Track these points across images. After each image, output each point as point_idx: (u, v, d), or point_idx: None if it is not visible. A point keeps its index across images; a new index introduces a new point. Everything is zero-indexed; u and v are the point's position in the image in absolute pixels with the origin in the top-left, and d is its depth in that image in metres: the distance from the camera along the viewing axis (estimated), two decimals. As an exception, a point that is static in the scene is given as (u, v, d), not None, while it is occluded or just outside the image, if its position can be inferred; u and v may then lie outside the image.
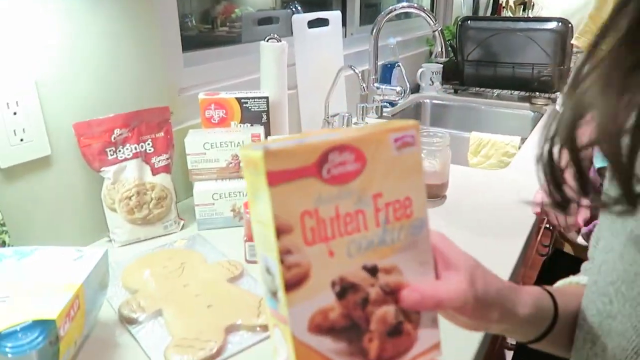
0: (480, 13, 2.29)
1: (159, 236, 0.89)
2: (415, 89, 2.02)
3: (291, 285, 0.31)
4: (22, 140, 0.73)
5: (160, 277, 0.74)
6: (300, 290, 0.31)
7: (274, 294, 0.32)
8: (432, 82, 2.00)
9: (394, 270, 0.35)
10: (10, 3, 0.69)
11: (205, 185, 0.90)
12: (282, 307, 0.31)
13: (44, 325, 0.51)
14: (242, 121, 0.98)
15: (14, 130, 0.72)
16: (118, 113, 0.83)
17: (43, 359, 0.50)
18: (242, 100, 0.97)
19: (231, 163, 0.92)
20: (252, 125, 0.98)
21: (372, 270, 0.34)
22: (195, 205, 0.90)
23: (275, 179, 0.30)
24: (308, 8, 1.74)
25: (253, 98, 0.98)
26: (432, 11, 2.41)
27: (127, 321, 0.66)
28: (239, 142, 0.90)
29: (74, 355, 0.59)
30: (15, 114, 0.71)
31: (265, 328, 0.64)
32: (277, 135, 1.06)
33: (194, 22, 1.31)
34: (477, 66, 1.94)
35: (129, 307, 0.67)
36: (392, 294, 0.35)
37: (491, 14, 2.65)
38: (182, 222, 0.92)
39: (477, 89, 1.97)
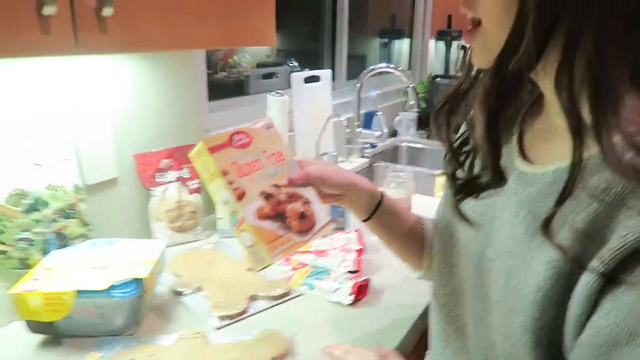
0: (451, 70, 2.67)
1: (190, 241, 1.16)
2: (394, 133, 2.35)
3: (239, 197, 0.62)
4: (101, 165, 1.02)
5: (197, 266, 1.01)
6: (244, 200, 0.63)
7: (233, 213, 0.63)
8: (408, 128, 2.33)
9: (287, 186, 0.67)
10: (100, 67, 1.00)
11: (226, 204, 1.19)
12: (239, 212, 0.62)
13: (137, 283, 0.78)
14: None
15: (96, 159, 1.01)
16: (165, 147, 1.12)
17: (136, 303, 0.77)
18: None
19: (246, 187, 1.21)
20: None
21: (277, 186, 0.66)
22: (217, 218, 1.19)
23: (212, 150, 0.63)
24: (302, 63, 2.08)
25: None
26: (410, 68, 2.78)
27: (178, 294, 0.93)
28: (252, 172, 1.19)
29: (149, 310, 0.85)
30: (98, 146, 1.00)
31: (274, 298, 0.91)
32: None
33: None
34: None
35: (178, 285, 0.94)
36: (292, 196, 0.66)
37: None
38: (208, 232, 1.20)
39: (446, 134, 2.30)
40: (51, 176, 0.91)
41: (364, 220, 0.76)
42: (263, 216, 0.63)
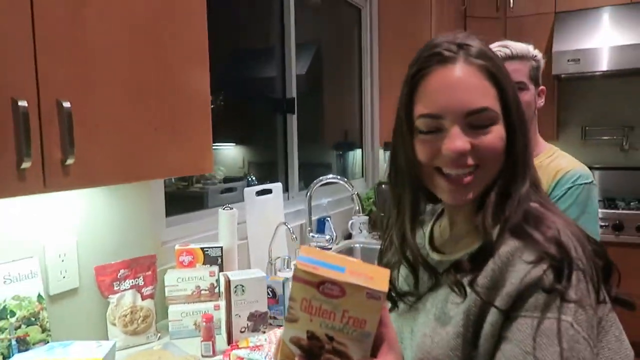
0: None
1: (143, 344, 1.29)
2: (348, 236, 2.56)
3: (287, 320, 0.64)
4: (64, 277, 1.18)
5: (145, 365, 1.14)
6: (290, 324, 0.64)
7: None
8: (361, 230, 2.54)
9: (344, 345, 0.60)
10: (65, 194, 1.20)
11: (177, 307, 1.34)
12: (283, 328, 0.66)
13: (84, 378, 0.91)
14: (204, 263, 1.45)
15: (60, 271, 1.17)
16: (124, 259, 1.29)
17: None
18: (205, 249, 1.46)
19: (195, 291, 1.37)
20: (210, 265, 1.45)
21: (330, 338, 0.60)
22: (169, 321, 1.33)
23: (297, 279, 0.62)
24: (261, 176, 2.33)
25: (212, 247, 1.46)
26: (363, 175, 3.07)
27: (123, 390, 1.05)
28: (200, 277, 1.36)
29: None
30: (63, 261, 1.18)
31: (210, 390, 1.03)
32: (234, 270, 1.52)
33: (172, 179, 1.81)
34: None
35: (125, 382, 1.06)
36: (338, 353, 0.60)
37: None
38: (159, 334, 1.33)
39: (396, 235, 2.51)
40: (18, 288, 1.07)
41: None
42: (296, 343, 0.61)
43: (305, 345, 0.63)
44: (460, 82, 0.64)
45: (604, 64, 3.13)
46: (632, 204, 2.99)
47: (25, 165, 0.77)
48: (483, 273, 0.64)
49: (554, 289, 0.57)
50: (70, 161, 0.83)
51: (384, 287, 0.59)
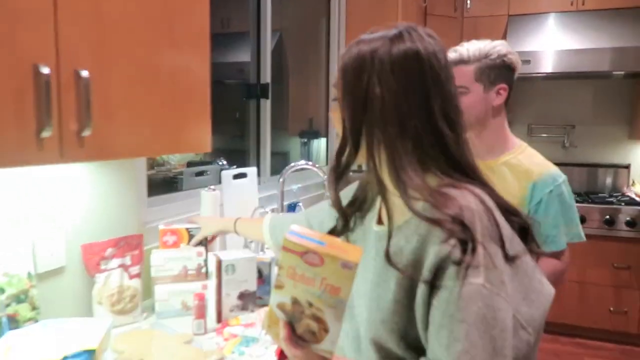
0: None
1: (130, 323, 1.27)
2: (314, 222, 2.60)
3: (275, 286, 0.72)
4: (52, 255, 1.14)
5: (138, 343, 1.13)
6: (277, 290, 0.72)
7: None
8: (327, 216, 2.59)
9: (320, 310, 0.70)
10: (56, 170, 1.16)
11: (163, 288, 1.33)
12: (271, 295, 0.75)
13: (88, 353, 0.90)
14: (188, 243, 1.44)
15: (48, 249, 1.14)
16: (110, 238, 1.27)
17: (88, 372, 0.89)
18: (189, 229, 1.45)
19: (182, 271, 1.36)
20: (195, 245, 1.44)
21: (309, 304, 0.70)
22: (155, 300, 1.32)
23: (285, 249, 0.70)
24: (230, 160, 2.32)
25: (196, 227, 1.46)
26: (327, 164, 3.13)
27: (120, 367, 1.04)
28: (188, 257, 1.36)
29: (92, 383, 0.96)
30: (51, 238, 1.14)
31: (210, 365, 1.05)
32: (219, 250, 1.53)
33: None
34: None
35: (121, 359, 1.05)
36: (315, 318, 0.70)
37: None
38: (144, 314, 1.32)
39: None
40: (7, 265, 1.03)
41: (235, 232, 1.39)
42: (281, 308, 0.71)
43: (289, 310, 0.72)
44: None
45: (549, 66, 3.35)
46: (582, 197, 3.25)
47: (45, 134, 0.75)
48: (407, 247, 0.73)
49: (461, 261, 0.66)
50: (86, 132, 0.82)
51: (356, 259, 0.68)
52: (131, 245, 1.31)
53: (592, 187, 3.62)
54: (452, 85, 0.76)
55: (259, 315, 1.28)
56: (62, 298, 1.19)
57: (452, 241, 0.67)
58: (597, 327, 3.15)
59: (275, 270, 1.43)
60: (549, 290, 0.77)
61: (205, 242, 1.45)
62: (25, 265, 1.06)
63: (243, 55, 2.40)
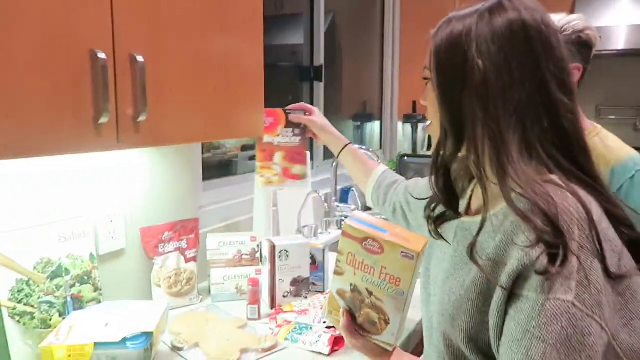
0: (418, 150, 2.95)
1: (186, 305, 1.30)
2: (367, 208, 2.56)
3: (335, 272, 0.73)
4: (112, 238, 1.18)
5: (194, 325, 1.15)
6: (337, 276, 0.72)
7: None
8: (381, 202, 2.55)
9: (380, 300, 0.72)
10: (116, 156, 1.19)
11: (219, 271, 1.34)
12: (332, 280, 0.74)
13: (147, 335, 0.92)
14: (287, 126, 1.37)
15: (109, 232, 1.17)
16: (167, 222, 1.29)
17: (145, 355, 0.91)
18: (287, 110, 1.38)
19: (236, 256, 1.37)
20: (293, 129, 1.39)
21: (369, 292, 0.72)
22: (211, 284, 1.33)
23: (344, 235, 0.71)
24: (284, 146, 2.31)
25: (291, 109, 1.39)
26: (381, 148, 3.06)
27: (177, 350, 1.06)
28: (242, 242, 1.36)
29: (150, 363, 0.98)
30: (111, 221, 1.17)
31: (263, 350, 1.05)
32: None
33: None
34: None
35: (178, 341, 1.07)
36: (375, 308, 0.72)
37: (427, 149, 3.33)
38: (200, 297, 1.34)
39: (416, 207, 2.53)
40: (72, 247, 1.07)
41: (337, 156, 1.33)
42: (341, 295, 0.71)
43: (349, 297, 0.71)
44: None
45: (621, 43, 3.10)
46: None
47: (103, 120, 0.75)
48: (489, 243, 0.65)
49: (547, 271, 0.57)
50: (142, 118, 0.82)
51: (418, 248, 0.65)
52: (187, 229, 1.33)
53: (669, 173, 3.35)
54: (563, 50, 0.68)
55: (312, 302, 1.27)
56: (123, 279, 1.22)
57: (540, 247, 0.58)
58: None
59: (328, 256, 1.41)
60: None
61: (303, 130, 1.41)
62: (88, 247, 1.10)
63: (297, 38, 2.37)
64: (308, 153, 1.47)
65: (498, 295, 0.62)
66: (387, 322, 0.71)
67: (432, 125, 0.75)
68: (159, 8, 0.86)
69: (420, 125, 2.91)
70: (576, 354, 0.56)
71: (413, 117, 2.89)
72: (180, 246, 1.30)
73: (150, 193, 1.29)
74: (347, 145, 1.30)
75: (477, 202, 0.78)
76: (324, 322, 1.14)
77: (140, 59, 0.80)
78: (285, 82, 2.36)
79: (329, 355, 1.04)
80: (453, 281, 0.71)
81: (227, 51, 1.04)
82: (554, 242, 0.58)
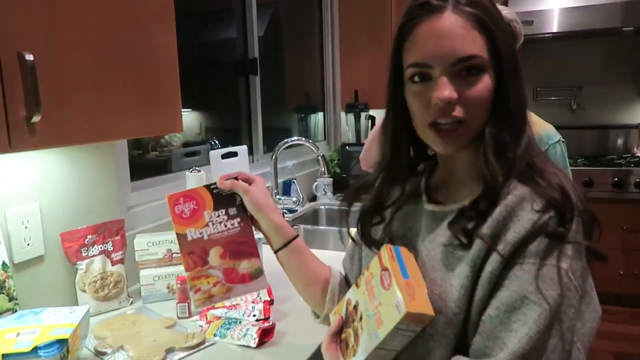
0: (362, 139, 2.98)
1: (115, 309, 1.27)
2: (313, 198, 2.57)
3: (354, 282, 0.74)
4: (28, 244, 1.13)
5: (120, 329, 1.12)
6: (354, 286, 0.74)
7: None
8: (325, 192, 2.56)
9: (362, 330, 0.70)
10: (29, 156, 1.14)
11: (148, 272, 1.32)
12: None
13: (61, 343, 0.89)
14: (215, 208, 1.17)
15: (24, 238, 1.12)
16: (90, 224, 1.25)
17: (60, 362, 0.88)
18: (210, 187, 1.28)
19: (166, 255, 1.35)
20: (225, 208, 1.28)
21: (360, 317, 0.70)
22: (141, 285, 1.31)
23: (378, 255, 0.72)
24: (223, 140, 2.28)
25: (214, 183, 1.36)
26: (325, 138, 3.07)
27: (101, 355, 1.03)
28: (171, 240, 1.34)
29: (70, 371, 0.95)
30: (26, 228, 1.13)
31: (190, 348, 1.04)
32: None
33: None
34: (357, 178, 2.54)
35: (101, 346, 1.05)
36: (355, 333, 0.71)
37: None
38: (130, 299, 1.31)
39: (360, 196, 2.55)
40: (-19, 257, 1.02)
41: (275, 252, 0.90)
42: (348, 305, 0.75)
43: (349, 310, 0.73)
44: (448, 31, 0.64)
45: (554, 26, 3.22)
46: (590, 160, 3.16)
47: (-11, 122, 0.72)
48: (488, 220, 0.65)
49: (556, 232, 0.61)
50: (36, 119, 0.78)
51: (410, 309, 0.63)
52: (112, 231, 1.29)
53: (603, 150, 3.53)
54: None
55: (244, 297, 1.26)
56: (44, 287, 1.18)
57: (551, 212, 0.62)
58: (607, 291, 3.09)
59: (262, 250, 1.41)
60: (598, 307, 0.72)
61: (241, 206, 0.94)
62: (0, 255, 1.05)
63: (232, 32, 2.34)
64: (257, 234, 0.94)
65: (493, 267, 0.63)
66: (354, 354, 0.70)
67: (464, 125, 0.67)
68: (52, 1, 0.82)
69: (363, 115, 2.93)
70: (559, 323, 0.60)
71: (355, 106, 2.92)
72: (105, 249, 1.27)
73: (69, 195, 1.25)
74: (293, 239, 0.89)
75: (441, 190, 0.78)
76: (254, 315, 1.15)
77: (29, 57, 0.77)
78: (223, 78, 2.33)
79: (256, 347, 1.04)
80: (438, 274, 0.71)
81: (137, 46, 1.01)
82: (562, 203, 0.62)
